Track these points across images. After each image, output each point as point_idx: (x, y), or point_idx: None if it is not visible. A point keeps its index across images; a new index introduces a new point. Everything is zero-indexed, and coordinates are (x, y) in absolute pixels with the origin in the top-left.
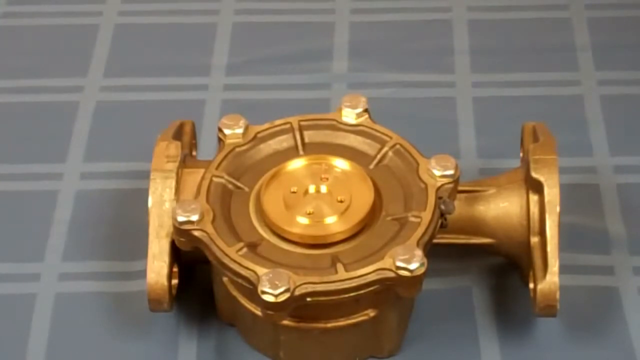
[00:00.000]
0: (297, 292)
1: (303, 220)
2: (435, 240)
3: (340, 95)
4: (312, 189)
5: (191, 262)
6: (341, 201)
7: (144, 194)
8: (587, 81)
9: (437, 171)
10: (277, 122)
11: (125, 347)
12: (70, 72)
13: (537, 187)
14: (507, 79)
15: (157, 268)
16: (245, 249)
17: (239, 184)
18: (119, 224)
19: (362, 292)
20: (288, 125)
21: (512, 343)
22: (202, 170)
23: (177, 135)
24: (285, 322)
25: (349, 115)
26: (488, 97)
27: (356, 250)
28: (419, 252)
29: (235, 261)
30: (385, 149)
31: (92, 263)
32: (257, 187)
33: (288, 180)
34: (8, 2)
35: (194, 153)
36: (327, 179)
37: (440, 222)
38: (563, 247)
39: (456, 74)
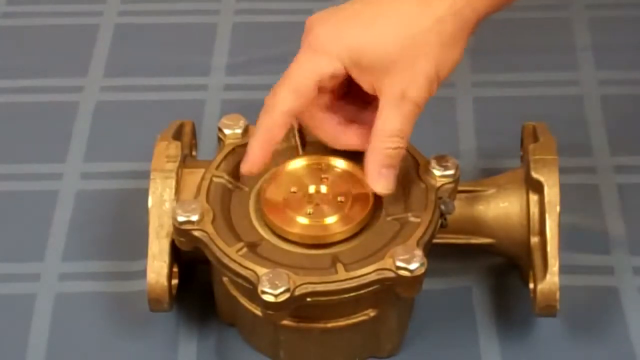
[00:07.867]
0: (297, 292)
1: (303, 220)
2: (435, 240)
3: None
4: (312, 189)
5: (191, 262)
6: (341, 201)
7: (144, 194)
8: (587, 81)
9: (437, 171)
10: None
11: (125, 347)
12: (70, 72)
13: (537, 187)
14: (507, 79)
15: (157, 268)
16: (245, 249)
17: (238, 184)
18: (119, 224)
19: (362, 292)
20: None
21: (512, 343)
22: (202, 170)
23: (177, 135)
24: (285, 322)
25: None
26: (488, 97)
27: (356, 250)
28: (419, 252)
29: (235, 261)
30: None
31: (92, 263)
32: (257, 187)
33: (288, 180)
34: (8, 2)
35: (194, 153)
36: (327, 179)
37: (440, 222)
38: (563, 247)
39: (456, 74)
